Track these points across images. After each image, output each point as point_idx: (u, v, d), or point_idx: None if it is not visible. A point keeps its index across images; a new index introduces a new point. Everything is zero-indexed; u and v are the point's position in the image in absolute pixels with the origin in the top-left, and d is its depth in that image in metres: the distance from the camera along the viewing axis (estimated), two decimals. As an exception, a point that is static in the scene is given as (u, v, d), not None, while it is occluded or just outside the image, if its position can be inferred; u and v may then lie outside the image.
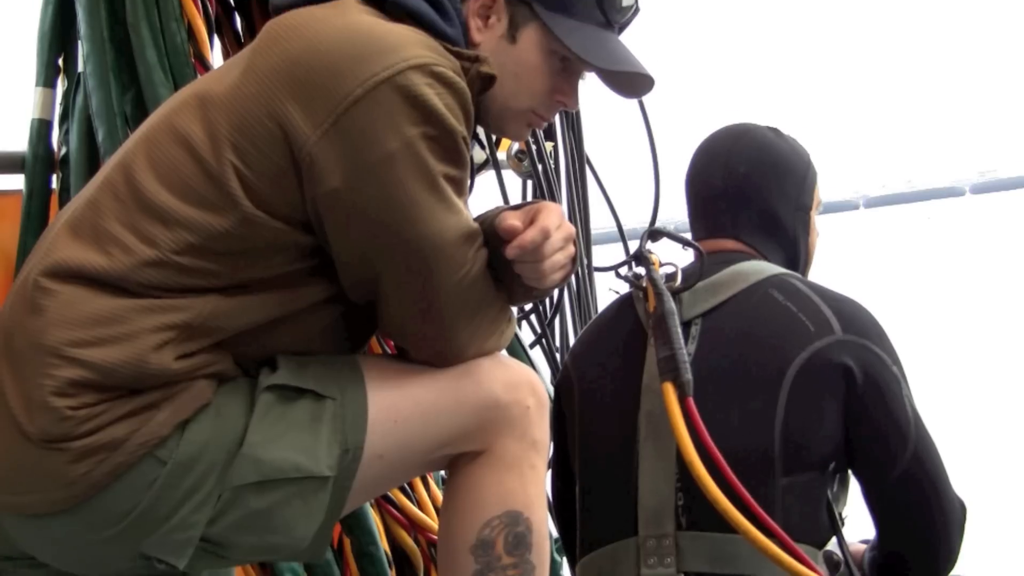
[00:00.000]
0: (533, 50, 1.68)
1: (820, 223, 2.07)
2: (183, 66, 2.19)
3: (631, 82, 1.74)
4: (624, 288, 1.93)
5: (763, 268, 1.87)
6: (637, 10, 1.73)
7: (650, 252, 1.89)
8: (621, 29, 1.73)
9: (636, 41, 1.72)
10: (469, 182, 1.61)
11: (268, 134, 1.47)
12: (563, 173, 2.83)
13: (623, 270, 1.92)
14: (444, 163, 1.50)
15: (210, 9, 2.30)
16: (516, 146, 2.75)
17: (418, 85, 1.46)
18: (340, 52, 1.48)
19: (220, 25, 2.42)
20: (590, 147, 2.88)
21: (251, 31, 2.46)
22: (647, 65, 1.72)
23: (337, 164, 1.46)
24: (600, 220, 2.93)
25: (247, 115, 1.48)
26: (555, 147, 2.83)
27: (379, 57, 1.47)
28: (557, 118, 2.78)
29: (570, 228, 1.65)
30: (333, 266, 1.55)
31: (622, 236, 2.86)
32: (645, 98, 2.62)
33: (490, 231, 1.61)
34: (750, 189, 1.95)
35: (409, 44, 1.50)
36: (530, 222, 1.59)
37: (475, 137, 1.70)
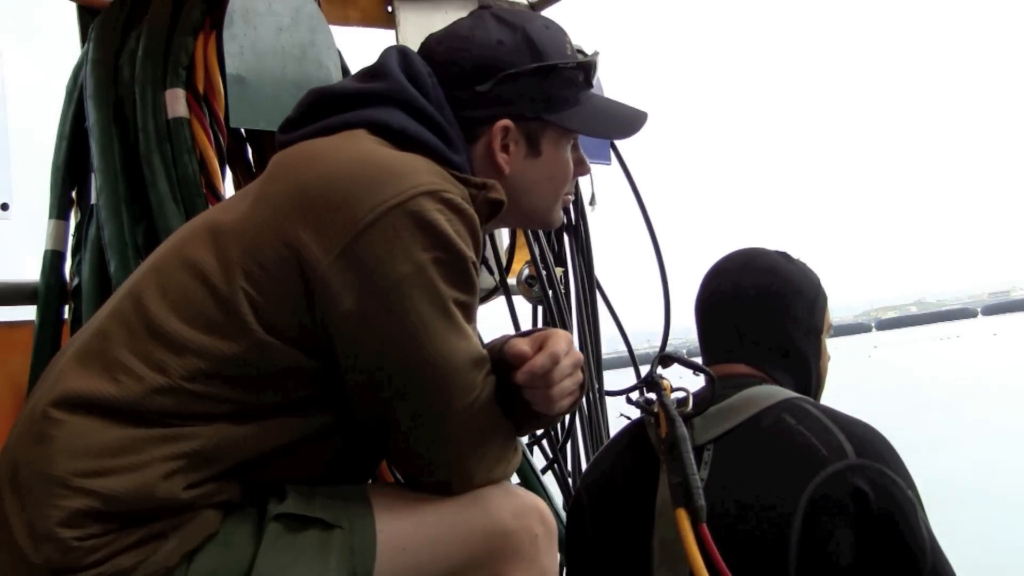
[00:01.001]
0: (557, 152, 1.78)
1: (831, 345, 2.09)
2: (194, 197, 2.21)
3: (631, 125, 1.85)
4: (636, 413, 1.92)
5: (774, 392, 1.87)
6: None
7: (661, 377, 1.89)
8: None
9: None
10: (477, 307, 1.62)
11: (280, 259, 1.47)
12: (573, 298, 2.83)
13: (634, 395, 1.92)
14: (454, 288, 1.51)
15: (222, 141, 2.33)
16: (526, 271, 2.75)
17: (429, 211, 1.48)
18: (352, 179, 1.49)
19: (232, 156, 2.45)
20: (600, 271, 2.89)
21: (262, 163, 2.52)
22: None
23: (349, 288, 1.46)
24: (611, 344, 2.92)
25: (259, 241, 1.49)
26: (565, 272, 2.84)
27: (390, 184, 1.49)
28: (567, 243, 2.82)
29: (578, 355, 1.66)
30: (343, 393, 1.54)
31: (633, 361, 2.85)
32: (655, 225, 2.73)
33: (499, 358, 1.61)
34: (761, 313, 1.98)
35: (419, 171, 1.53)
36: (539, 348, 1.61)
37: (484, 262, 1.73)
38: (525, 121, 1.74)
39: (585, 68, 1.78)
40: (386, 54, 1.72)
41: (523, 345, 1.61)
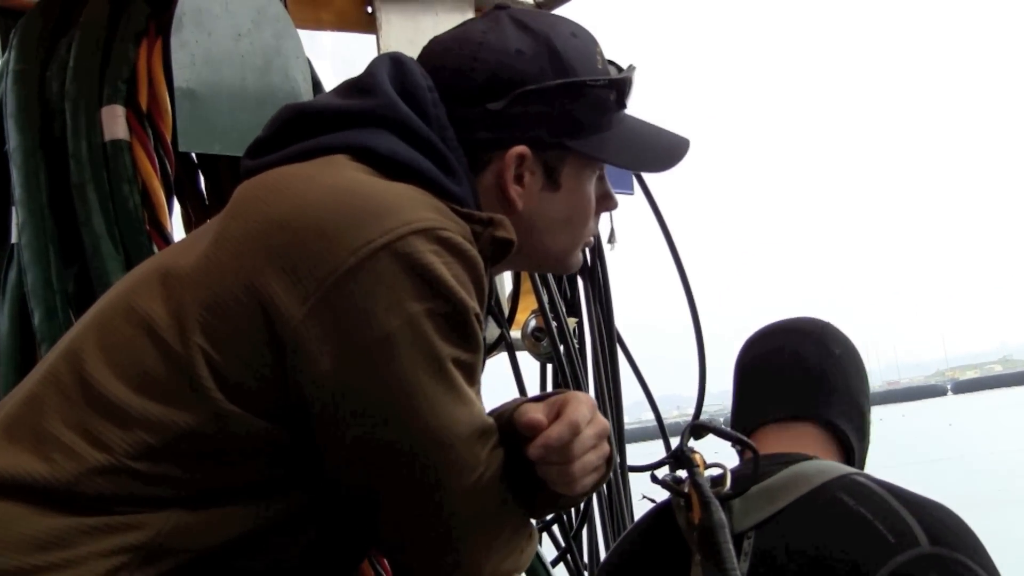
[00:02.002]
0: (579, 186, 1.79)
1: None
2: (136, 235, 2.21)
3: (670, 155, 1.85)
4: (663, 494, 1.91)
5: (828, 468, 1.87)
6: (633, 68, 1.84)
7: (693, 451, 1.86)
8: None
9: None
10: (482, 366, 1.61)
11: (244, 312, 1.46)
12: (589, 355, 2.83)
13: (662, 472, 1.91)
14: (453, 345, 1.50)
15: (169, 168, 2.33)
16: (532, 322, 2.76)
17: (422, 253, 1.47)
18: (330, 215, 1.48)
19: (181, 187, 2.46)
20: (621, 323, 2.87)
21: (218, 195, 2.53)
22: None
23: (327, 346, 1.45)
24: (634, 411, 2.93)
25: (220, 290, 1.48)
26: (579, 324, 2.84)
27: (376, 220, 1.48)
28: (581, 290, 2.83)
29: (604, 423, 1.64)
30: (319, 472, 1.53)
31: (662, 431, 2.85)
32: (688, 267, 2.75)
33: (508, 427, 1.61)
34: (813, 382, 2.04)
35: (411, 205, 1.52)
36: (556, 416, 1.60)
37: (489, 312, 1.73)
38: (544, 148, 1.74)
39: (618, 86, 1.79)
40: (376, 64, 1.72)
41: (537, 412, 1.59)
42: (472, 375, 1.54)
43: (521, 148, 1.72)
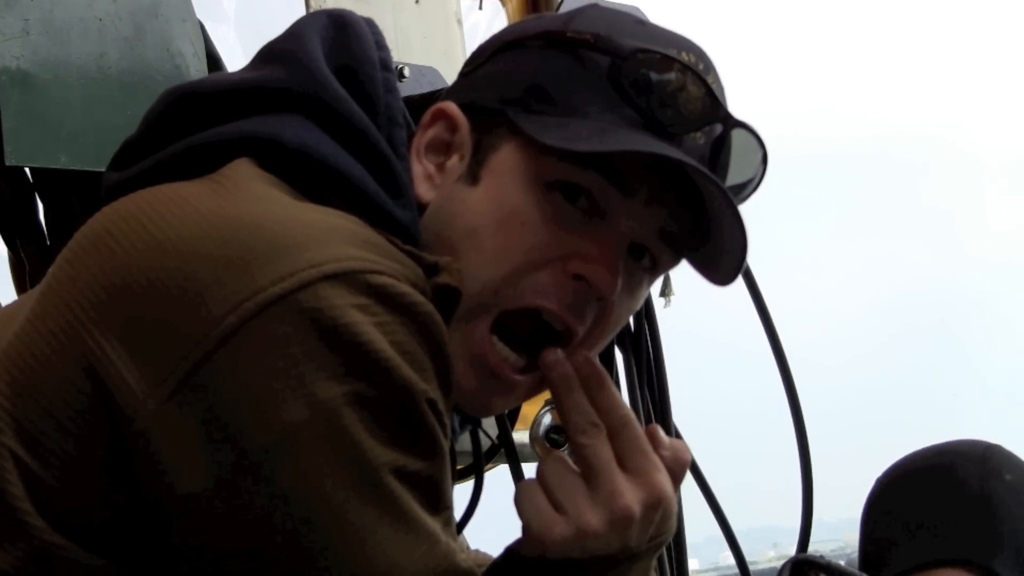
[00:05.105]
0: (508, 181, 1.68)
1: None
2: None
3: (730, 233, 1.68)
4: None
5: None
6: (729, 124, 1.70)
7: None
8: (713, 159, 1.70)
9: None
10: (451, 483, 1.56)
11: (76, 400, 1.42)
12: None
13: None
14: (394, 447, 1.44)
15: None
16: (547, 419, 2.69)
17: (340, 308, 1.41)
18: (202, 257, 1.44)
19: (8, 217, 2.49)
20: (680, 417, 2.74)
21: (63, 229, 2.52)
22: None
23: (195, 451, 1.39)
24: (706, 552, 2.82)
25: (41, 370, 1.45)
26: None
27: (268, 262, 1.42)
28: (621, 369, 2.65)
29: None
30: None
31: (744, 572, 2.79)
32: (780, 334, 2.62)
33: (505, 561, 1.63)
34: (999, 509, 2.17)
35: (325, 238, 1.48)
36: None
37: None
38: (481, 116, 1.72)
39: (616, 54, 1.68)
40: (303, 24, 1.73)
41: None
42: (433, 494, 1.49)
43: (446, 104, 1.72)
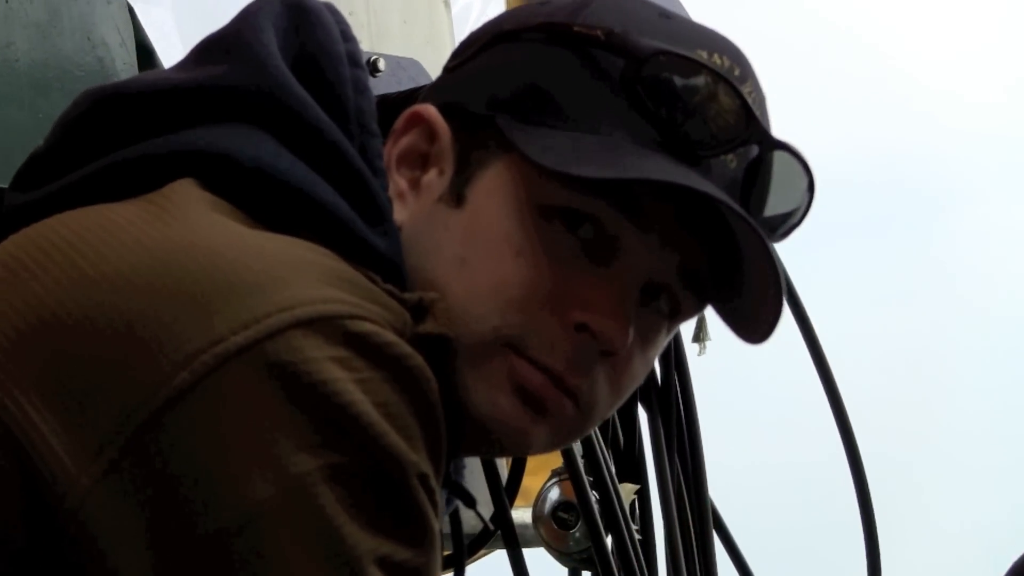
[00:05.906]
0: (501, 205, 1.62)
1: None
2: None
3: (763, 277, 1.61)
4: None
5: None
6: (767, 144, 1.62)
7: None
8: (747, 187, 1.64)
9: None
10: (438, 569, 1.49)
11: None
12: (663, 554, 2.61)
13: None
14: (377, 532, 1.37)
15: None
16: (555, 494, 2.56)
17: (314, 363, 1.35)
18: (144, 300, 1.38)
19: None
20: (717, 490, 2.66)
21: None
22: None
23: (140, 537, 1.32)
24: None
25: None
26: (641, 494, 2.62)
27: (233, 302, 1.37)
28: (645, 429, 2.59)
29: None
30: None
31: None
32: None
33: None
34: None
35: (294, 276, 1.42)
36: None
37: (450, 472, 1.72)
38: (468, 123, 1.66)
39: (633, 54, 1.60)
40: (254, 8, 1.67)
41: None
42: None
43: (424, 107, 1.67)
